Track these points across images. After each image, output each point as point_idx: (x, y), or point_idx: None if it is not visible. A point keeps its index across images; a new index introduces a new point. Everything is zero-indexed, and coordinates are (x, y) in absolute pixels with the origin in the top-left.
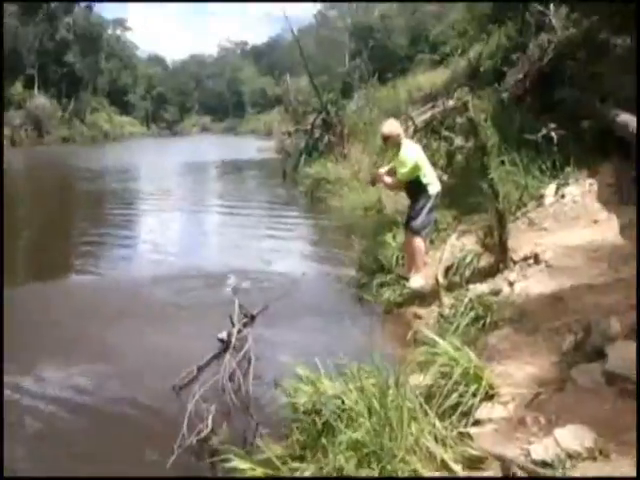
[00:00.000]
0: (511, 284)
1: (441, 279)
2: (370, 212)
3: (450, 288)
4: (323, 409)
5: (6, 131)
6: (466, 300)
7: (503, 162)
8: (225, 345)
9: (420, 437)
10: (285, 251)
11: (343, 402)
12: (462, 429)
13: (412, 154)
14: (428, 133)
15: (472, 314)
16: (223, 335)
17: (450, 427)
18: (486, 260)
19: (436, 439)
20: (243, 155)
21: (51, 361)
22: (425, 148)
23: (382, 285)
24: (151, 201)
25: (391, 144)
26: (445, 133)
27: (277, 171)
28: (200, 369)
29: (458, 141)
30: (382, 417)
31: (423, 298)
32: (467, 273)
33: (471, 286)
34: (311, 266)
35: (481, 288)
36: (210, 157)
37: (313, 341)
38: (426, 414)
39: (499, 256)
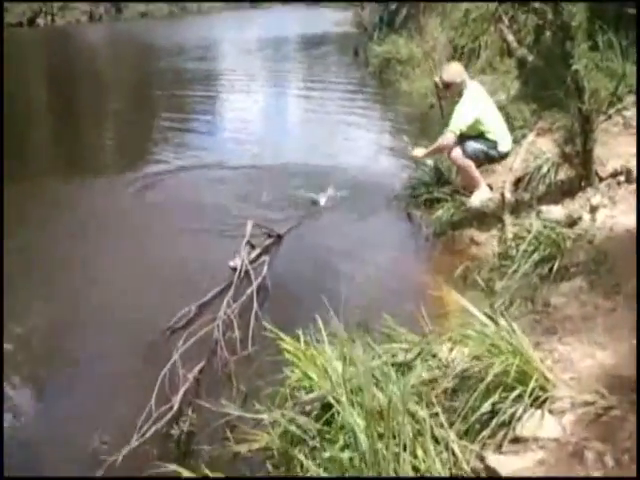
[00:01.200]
0: (593, 209)
1: (508, 194)
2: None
3: (518, 208)
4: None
5: (84, 7)
6: (533, 232)
7: (595, 45)
8: (235, 277)
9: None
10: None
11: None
12: (490, 456)
13: (472, 108)
14: (516, 4)
15: (536, 256)
16: (236, 262)
17: (477, 446)
18: (566, 173)
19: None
20: (319, 29)
21: None
22: (512, 20)
23: (437, 201)
24: (226, 82)
25: (452, 93)
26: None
27: (351, 48)
28: (202, 307)
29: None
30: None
31: (483, 218)
32: (541, 188)
33: (544, 208)
34: (364, 169)
35: (555, 212)
36: (287, 32)
37: (337, 277)
38: (442, 426)
39: (581, 170)
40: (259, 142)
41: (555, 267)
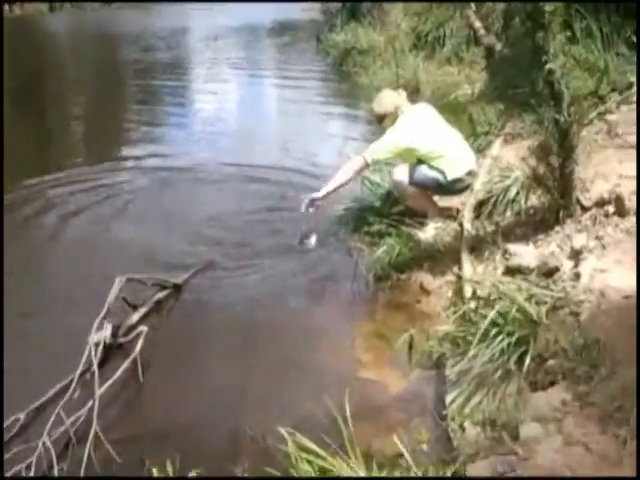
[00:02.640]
0: (576, 255)
1: (468, 225)
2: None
3: (480, 244)
4: None
5: None
6: (498, 289)
7: (573, 35)
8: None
9: None
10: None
11: None
12: None
13: (403, 134)
14: None
15: (502, 339)
16: (103, 335)
17: None
18: (539, 198)
19: None
20: (286, 16)
21: None
22: (480, 5)
23: (379, 234)
24: (185, 71)
25: (389, 124)
26: None
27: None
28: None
29: None
30: None
31: (437, 257)
32: (508, 216)
33: (512, 248)
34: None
35: (526, 256)
36: (254, 19)
37: (235, 361)
38: None
39: (559, 196)
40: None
41: (527, 358)
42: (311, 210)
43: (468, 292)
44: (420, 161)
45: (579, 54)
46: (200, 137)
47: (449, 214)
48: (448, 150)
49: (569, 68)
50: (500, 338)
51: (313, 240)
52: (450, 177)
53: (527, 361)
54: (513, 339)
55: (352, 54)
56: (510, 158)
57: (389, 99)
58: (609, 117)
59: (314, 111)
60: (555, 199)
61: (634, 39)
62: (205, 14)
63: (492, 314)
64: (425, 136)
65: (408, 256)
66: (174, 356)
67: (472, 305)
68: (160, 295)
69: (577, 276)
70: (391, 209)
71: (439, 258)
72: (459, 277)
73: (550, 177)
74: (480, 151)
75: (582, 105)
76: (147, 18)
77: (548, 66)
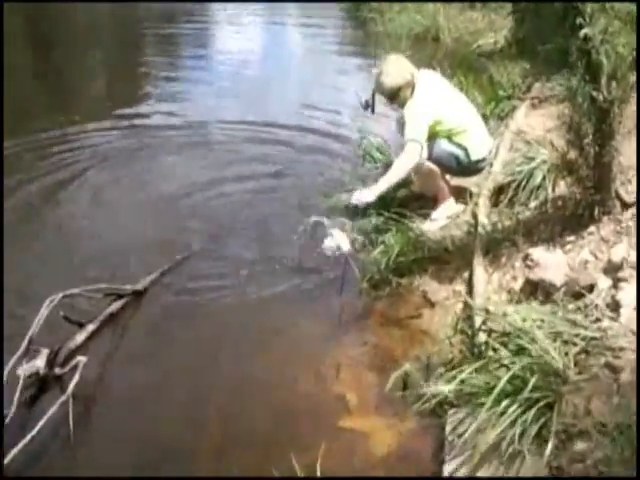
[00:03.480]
0: (616, 270)
1: (483, 217)
2: (422, 42)
3: (496, 243)
4: None
5: None
6: (515, 324)
7: None
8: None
9: None
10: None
11: None
12: None
13: (426, 106)
14: None
15: (520, 405)
16: (35, 365)
17: None
18: (569, 187)
19: None
20: None
21: None
22: None
23: (377, 230)
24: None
25: (402, 100)
26: None
27: None
28: None
29: None
30: None
31: (445, 258)
32: (532, 207)
33: (535, 253)
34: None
35: (552, 268)
36: None
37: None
38: None
39: (593, 189)
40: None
41: (550, 436)
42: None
43: (478, 320)
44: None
45: (627, 10)
46: (211, 92)
47: (461, 199)
48: (471, 125)
49: (612, 32)
50: (515, 407)
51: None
52: (474, 156)
53: (550, 443)
54: (532, 411)
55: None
56: (537, 129)
57: (401, 68)
58: None
59: (327, 63)
60: (589, 192)
61: None
62: None
63: (507, 377)
64: (449, 108)
65: (410, 256)
66: (122, 391)
67: (482, 338)
68: (114, 307)
69: (616, 305)
70: (395, 193)
71: (447, 259)
72: (470, 286)
73: (583, 164)
74: (501, 119)
75: (627, 79)
76: None
77: (584, 31)
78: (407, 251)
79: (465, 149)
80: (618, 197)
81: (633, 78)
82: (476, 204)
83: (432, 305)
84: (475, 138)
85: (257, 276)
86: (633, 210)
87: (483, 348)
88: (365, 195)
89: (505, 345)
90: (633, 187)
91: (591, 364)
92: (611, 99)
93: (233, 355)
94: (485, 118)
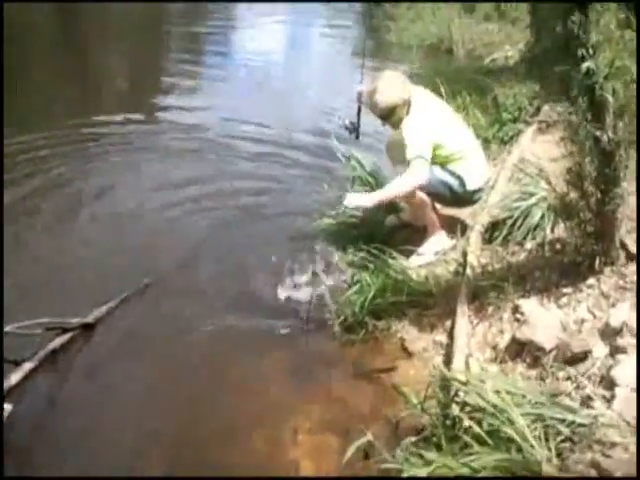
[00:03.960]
0: (614, 335)
1: (473, 257)
2: (434, 53)
3: (485, 290)
4: None
5: None
6: (490, 401)
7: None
8: None
9: None
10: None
11: None
12: None
13: (426, 126)
14: None
15: None
16: None
17: None
18: (570, 230)
19: None
20: None
21: None
22: None
23: (354, 265)
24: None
25: (397, 121)
26: None
27: None
28: None
29: None
30: None
31: (427, 300)
32: (528, 248)
33: (525, 306)
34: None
35: (544, 329)
36: None
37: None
38: None
39: (596, 238)
40: None
41: None
42: (352, 210)
43: (453, 388)
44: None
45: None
46: (226, 90)
47: (452, 232)
48: (469, 152)
49: (619, 66)
50: None
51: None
52: (469, 186)
53: None
54: None
55: (382, 3)
56: (542, 157)
57: (396, 86)
58: None
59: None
60: (590, 239)
61: None
62: None
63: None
64: (447, 132)
65: (389, 298)
66: (54, 441)
67: (455, 411)
68: (58, 342)
69: (611, 384)
70: (383, 221)
71: (429, 304)
72: (451, 337)
73: (585, 208)
74: (504, 143)
75: (633, 120)
76: None
77: (586, 65)
78: (386, 292)
79: (460, 178)
80: (623, 247)
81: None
82: (467, 239)
83: (409, 355)
84: (472, 166)
85: (218, 313)
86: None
87: (456, 420)
88: (360, 199)
89: (479, 423)
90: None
91: (576, 460)
92: (617, 140)
93: (181, 405)
94: (487, 142)
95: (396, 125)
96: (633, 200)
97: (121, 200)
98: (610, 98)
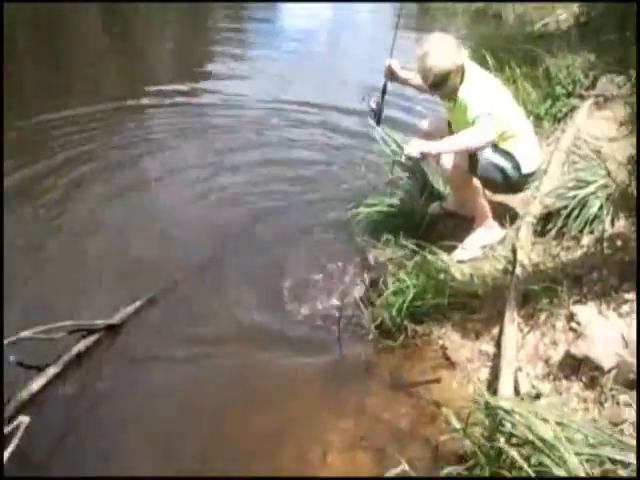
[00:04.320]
0: None
1: (523, 253)
2: (481, 18)
3: (535, 292)
4: None
5: None
6: (537, 432)
7: None
8: None
9: None
10: None
11: None
12: None
13: (485, 97)
14: None
15: None
16: None
17: None
18: (632, 224)
19: None
20: None
21: None
22: None
23: (392, 263)
24: None
25: (448, 91)
26: None
27: None
28: None
29: None
30: None
31: (472, 301)
32: (585, 243)
33: (581, 314)
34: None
35: (600, 341)
36: None
37: None
38: None
39: None
40: None
41: None
42: (413, 159)
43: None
44: None
45: None
46: (269, 70)
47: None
48: (521, 130)
49: None
50: None
51: None
52: (524, 170)
53: None
54: None
55: None
56: (599, 136)
57: (451, 49)
58: None
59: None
60: None
61: None
62: None
63: None
64: (500, 107)
65: (430, 300)
66: (79, 457)
67: (501, 442)
68: (82, 345)
69: None
70: (424, 209)
71: (475, 307)
72: (498, 346)
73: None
74: (558, 120)
75: None
76: None
77: None
78: (427, 293)
79: (514, 159)
80: None
81: None
82: (517, 232)
83: (452, 365)
84: (525, 147)
85: (247, 313)
86: None
87: (500, 451)
88: (423, 145)
89: (527, 459)
90: None
91: None
92: None
93: (208, 418)
94: (538, 119)
95: (447, 95)
96: None
97: (150, 189)
98: None
